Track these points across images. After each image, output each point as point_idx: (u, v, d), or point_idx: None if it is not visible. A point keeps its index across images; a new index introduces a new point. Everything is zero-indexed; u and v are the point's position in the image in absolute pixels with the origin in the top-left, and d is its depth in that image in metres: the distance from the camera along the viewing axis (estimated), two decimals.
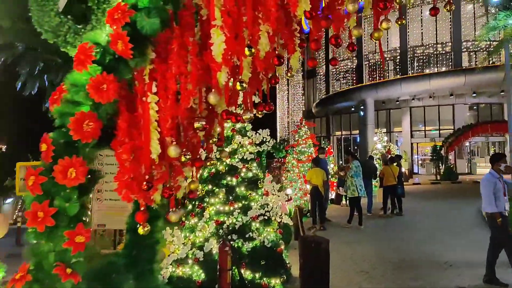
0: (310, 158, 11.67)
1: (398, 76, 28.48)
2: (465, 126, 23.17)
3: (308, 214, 10.40)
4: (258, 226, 5.00)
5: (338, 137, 36.24)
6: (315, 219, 9.13)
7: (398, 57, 31.05)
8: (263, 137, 5.56)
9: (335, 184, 12.74)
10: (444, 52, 28.93)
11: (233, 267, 4.36)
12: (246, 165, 5.20)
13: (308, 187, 10.01)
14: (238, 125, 5.39)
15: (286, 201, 10.36)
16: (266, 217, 5.05)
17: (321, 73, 38.27)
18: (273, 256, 4.95)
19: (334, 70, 36.67)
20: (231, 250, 4.36)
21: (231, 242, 4.80)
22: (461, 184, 20.88)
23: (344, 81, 35.35)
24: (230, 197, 5.02)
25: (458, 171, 24.52)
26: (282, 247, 5.33)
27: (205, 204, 5.02)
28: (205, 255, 4.71)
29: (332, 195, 13.17)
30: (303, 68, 41.51)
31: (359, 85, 30.22)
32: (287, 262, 5.39)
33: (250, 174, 5.23)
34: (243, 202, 5.05)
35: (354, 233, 8.64)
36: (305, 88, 41.50)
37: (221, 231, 4.84)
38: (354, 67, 34.30)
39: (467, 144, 27.03)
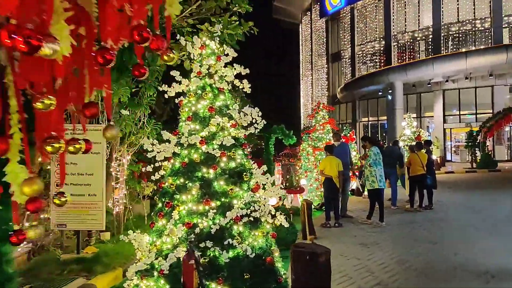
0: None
1: (431, 56, 26.28)
2: (506, 109, 21.04)
3: (323, 208, 9.26)
4: (242, 230, 3.94)
5: (364, 123, 34.47)
6: (329, 215, 7.98)
7: (430, 36, 28.82)
8: (252, 118, 4.45)
9: (357, 173, 11.49)
10: (482, 28, 26.50)
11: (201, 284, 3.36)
12: (227, 153, 4.13)
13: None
14: (218, 103, 4.32)
15: (298, 193, 9.26)
16: (252, 218, 3.98)
17: (347, 56, 36.38)
18: (260, 268, 3.89)
19: (360, 52, 34.73)
20: (199, 263, 3.36)
21: (206, 251, 3.78)
22: (501, 172, 19.00)
23: (371, 64, 33.40)
24: (206, 194, 3.97)
25: (496, 158, 22.50)
26: (277, 254, 4.27)
27: (175, 202, 4.00)
28: (172, 266, 3.71)
29: (353, 185, 11.93)
30: (327, 52, 39.70)
31: (387, 67, 28.29)
32: (283, 272, 4.33)
33: (232, 164, 4.16)
34: (222, 199, 3.99)
35: (374, 232, 7.44)
36: (329, 72, 39.69)
37: (192, 236, 3.82)
38: (382, 48, 32.29)
39: (507, 129, 24.79)
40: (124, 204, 6.31)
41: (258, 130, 4.47)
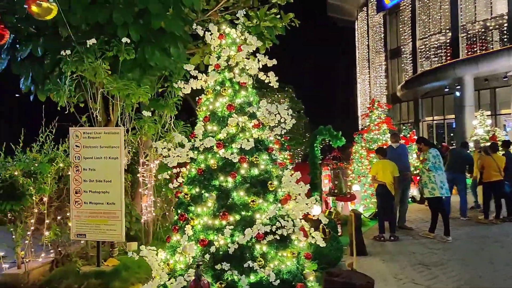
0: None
1: (507, 46, 23.50)
2: None
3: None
4: (266, 250, 3.31)
5: (429, 123, 31.89)
6: (383, 226, 7.01)
7: (505, 24, 25.87)
8: (280, 116, 3.79)
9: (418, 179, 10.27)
10: None
11: None
12: (249, 158, 3.53)
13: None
14: (239, 100, 3.73)
15: (349, 200, 8.38)
16: (278, 236, 3.34)
17: (407, 52, 33.98)
18: None
19: (422, 46, 32.27)
20: None
21: (222, 274, 3.21)
22: None
23: (436, 58, 30.83)
24: (223, 206, 3.40)
25: None
26: (311, 277, 3.59)
27: (190, 214, 3.47)
28: None
29: (413, 192, 10.72)
30: (385, 48, 37.50)
31: (454, 60, 25.88)
32: None
33: (255, 172, 3.54)
34: (242, 213, 3.40)
35: (437, 249, 6.37)
36: (388, 69, 37.41)
37: (207, 256, 3.26)
38: (448, 41, 29.67)
39: None
40: (154, 212, 5.95)
41: (286, 131, 3.81)
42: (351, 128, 11.47)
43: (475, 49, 27.55)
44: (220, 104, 3.69)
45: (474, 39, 28.18)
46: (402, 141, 12.42)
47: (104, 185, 4.41)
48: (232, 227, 3.28)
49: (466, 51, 27.95)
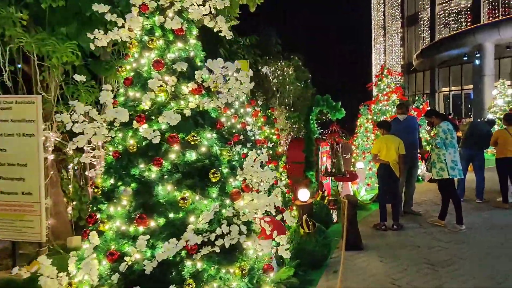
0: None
1: None
2: None
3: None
4: (202, 267, 2.36)
5: (445, 93, 30.21)
6: (385, 213, 6.01)
7: None
8: (223, 75, 2.74)
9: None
10: None
11: None
12: (183, 137, 2.53)
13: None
14: (171, 55, 2.69)
15: (348, 180, 7.37)
16: (219, 248, 2.37)
17: (425, 18, 31.85)
18: None
19: (441, 12, 30.10)
20: None
21: None
22: None
23: (455, 25, 28.75)
24: (142, 205, 2.43)
25: None
26: None
27: (102, 215, 2.52)
28: None
29: (421, 170, 9.64)
30: (402, 14, 35.28)
31: (474, 25, 23.95)
32: None
33: (191, 156, 2.55)
34: (170, 215, 2.43)
35: (448, 241, 5.37)
36: (404, 38, 35.34)
37: (115, 277, 2.32)
38: (468, 6, 27.50)
39: None
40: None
41: (236, 97, 2.79)
42: (364, 101, 10.24)
43: (497, 15, 25.46)
44: (147, 61, 2.65)
45: (496, 3, 26.01)
46: (414, 113, 11.30)
47: (17, 170, 3.49)
48: (148, 237, 2.32)
49: (487, 17, 25.88)
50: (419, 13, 32.92)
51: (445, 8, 29.98)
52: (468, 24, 26.66)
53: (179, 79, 2.58)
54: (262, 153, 4.69)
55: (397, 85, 10.55)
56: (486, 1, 26.37)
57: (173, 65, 2.57)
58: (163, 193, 2.42)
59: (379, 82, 9.98)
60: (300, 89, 15.55)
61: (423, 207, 7.30)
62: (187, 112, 2.51)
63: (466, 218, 6.00)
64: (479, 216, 6.53)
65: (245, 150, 4.62)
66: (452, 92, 29.68)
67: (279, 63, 14.47)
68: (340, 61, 44.63)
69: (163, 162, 2.45)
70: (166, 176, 2.44)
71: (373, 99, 10.08)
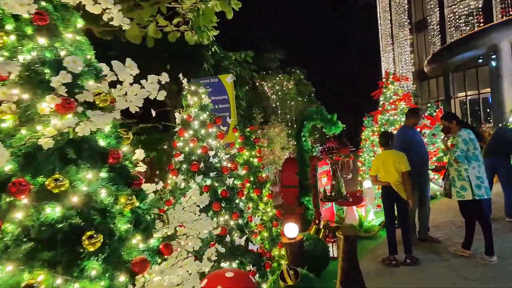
0: None
1: None
2: None
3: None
4: None
5: (461, 99, 28.78)
6: (394, 245, 4.95)
7: None
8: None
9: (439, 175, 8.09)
10: None
11: None
12: (40, 181, 1.64)
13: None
14: (28, 56, 1.82)
15: (352, 204, 6.35)
16: None
17: (434, 22, 30.78)
18: None
19: (451, 15, 29.00)
20: None
21: None
22: None
23: (466, 27, 27.59)
24: None
25: None
26: None
27: None
28: None
29: (439, 184, 8.53)
30: (410, 20, 34.32)
31: (488, 24, 22.79)
32: None
33: (54, 213, 1.65)
34: None
35: (477, 278, 4.28)
36: (414, 44, 34.26)
37: None
38: (479, 6, 26.37)
39: None
40: None
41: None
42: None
43: (511, 13, 24.25)
44: None
45: (509, 1, 24.83)
46: (427, 121, 10.21)
47: None
48: None
49: (500, 16, 24.68)
50: (428, 18, 31.93)
51: (454, 10, 28.92)
52: (481, 25, 25.49)
53: (37, 91, 1.71)
54: (228, 184, 3.80)
55: (407, 91, 9.54)
56: (499, 0, 25.26)
57: (27, 72, 1.71)
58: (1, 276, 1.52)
59: (384, 90, 9.01)
60: (303, 103, 14.68)
61: (443, 231, 6.19)
62: (47, 143, 1.63)
63: (496, 245, 4.89)
64: None
65: (208, 182, 3.71)
66: (469, 97, 28.28)
67: (277, 78, 13.67)
68: (348, 74, 43.68)
69: (4, 225, 1.55)
70: (10, 249, 1.55)
71: (379, 108, 9.09)
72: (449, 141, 5.54)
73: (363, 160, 8.40)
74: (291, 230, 4.32)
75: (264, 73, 13.94)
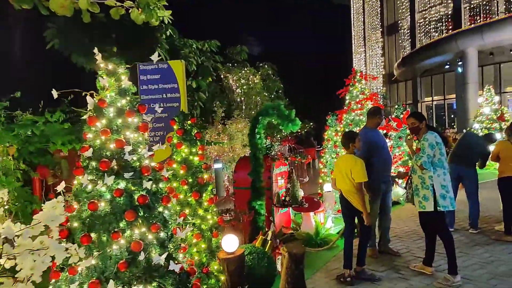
0: None
1: None
2: None
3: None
4: None
5: (428, 103, 29.19)
6: (350, 257, 4.38)
7: None
8: None
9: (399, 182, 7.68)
10: None
11: None
12: None
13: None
14: None
15: (309, 210, 5.76)
16: None
17: (405, 27, 31.06)
18: None
19: (421, 20, 29.35)
20: None
21: None
22: None
23: (436, 33, 27.95)
24: None
25: None
26: None
27: None
28: None
29: (399, 191, 8.15)
30: (382, 24, 34.52)
31: (456, 30, 23.03)
32: None
33: None
34: None
35: None
36: (385, 47, 34.50)
37: None
38: (449, 13, 26.76)
39: None
40: None
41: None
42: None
43: (479, 21, 24.68)
44: None
45: (478, 9, 25.30)
46: (394, 123, 9.85)
47: None
48: None
49: (468, 24, 25.09)
50: (399, 22, 32.23)
51: (425, 16, 29.30)
52: (449, 31, 25.84)
53: None
54: (147, 188, 3.07)
55: (376, 92, 9.09)
56: (468, 7, 25.69)
57: None
58: None
59: (351, 88, 8.50)
60: (270, 99, 14.06)
61: (405, 242, 5.71)
62: None
63: (459, 260, 4.44)
64: (477, 256, 4.94)
65: (122, 185, 2.96)
66: (435, 102, 28.73)
67: (243, 71, 12.94)
68: (319, 72, 43.64)
69: None
70: None
71: (345, 107, 8.57)
72: (414, 144, 5.04)
73: (325, 162, 7.85)
74: (230, 242, 3.64)
75: (230, 65, 13.20)
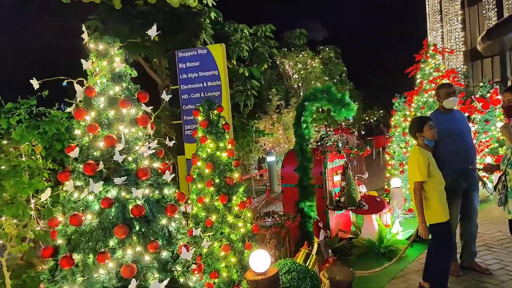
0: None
1: None
2: None
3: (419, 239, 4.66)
4: None
5: None
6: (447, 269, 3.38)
7: None
8: None
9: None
10: None
11: None
12: None
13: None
14: None
15: (370, 213, 4.80)
16: None
17: None
18: None
19: None
20: None
21: None
22: None
23: None
24: None
25: None
26: None
27: None
28: None
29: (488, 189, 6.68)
30: None
31: None
32: None
33: None
34: None
35: None
36: (465, 20, 30.73)
37: None
38: None
39: None
40: None
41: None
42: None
43: None
44: None
45: None
46: (479, 104, 8.28)
47: None
48: None
49: None
50: None
51: None
52: None
53: None
54: (147, 195, 2.44)
55: (455, 69, 7.63)
56: None
57: None
58: None
59: (422, 65, 7.19)
60: (332, 84, 12.93)
61: (496, 253, 4.50)
62: None
63: None
64: None
65: (113, 192, 2.37)
66: None
67: (300, 55, 11.97)
68: (390, 56, 40.53)
69: None
70: None
71: (416, 88, 7.29)
72: None
73: (392, 152, 6.71)
74: (260, 259, 2.91)
75: (286, 49, 12.32)
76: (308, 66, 11.80)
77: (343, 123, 5.80)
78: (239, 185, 3.62)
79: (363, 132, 19.29)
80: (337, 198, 4.77)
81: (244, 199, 3.66)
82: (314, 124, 11.36)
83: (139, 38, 6.83)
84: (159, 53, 7.17)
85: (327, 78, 12.67)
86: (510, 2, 25.68)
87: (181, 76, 6.23)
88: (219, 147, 3.62)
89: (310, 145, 4.70)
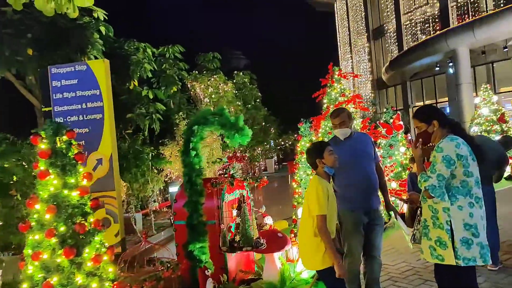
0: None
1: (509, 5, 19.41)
2: None
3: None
4: None
5: None
6: None
7: None
8: None
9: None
10: None
11: None
12: None
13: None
14: None
15: (269, 251, 4.23)
16: None
17: (391, 30, 30.04)
18: None
19: (407, 22, 28.32)
20: None
21: None
22: None
23: (423, 34, 26.93)
24: None
25: None
26: None
27: None
28: None
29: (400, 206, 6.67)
30: (367, 28, 33.52)
31: (445, 29, 21.92)
32: None
33: None
34: None
35: None
36: (371, 52, 33.41)
37: None
38: (436, 13, 25.77)
39: None
40: None
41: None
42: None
43: (467, 20, 23.67)
44: None
45: (466, 7, 24.30)
46: (383, 129, 8.44)
47: None
48: None
49: (457, 23, 24.06)
50: (385, 25, 31.29)
51: (411, 17, 28.32)
52: (437, 32, 24.80)
53: None
54: None
55: (360, 94, 7.65)
56: (455, 6, 24.70)
57: None
58: None
59: (329, 90, 7.07)
60: (245, 109, 12.63)
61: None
62: None
63: None
64: None
65: None
66: None
67: (211, 79, 11.50)
68: (305, 81, 42.54)
69: None
70: None
71: (323, 113, 7.12)
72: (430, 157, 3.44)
73: (299, 180, 6.35)
74: None
75: (197, 72, 11.78)
76: (220, 90, 11.38)
77: (239, 150, 5.26)
78: (93, 233, 2.80)
79: (281, 157, 19.27)
80: (233, 237, 4.14)
81: (103, 249, 2.84)
82: (228, 150, 10.82)
83: (8, 51, 5.72)
84: (35, 70, 6.08)
85: (239, 103, 12.34)
86: (408, 37, 28.45)
87: (55, 96, 5.24)
88: (67, 183, 2.78)
89: (201, 176, 4.04)
